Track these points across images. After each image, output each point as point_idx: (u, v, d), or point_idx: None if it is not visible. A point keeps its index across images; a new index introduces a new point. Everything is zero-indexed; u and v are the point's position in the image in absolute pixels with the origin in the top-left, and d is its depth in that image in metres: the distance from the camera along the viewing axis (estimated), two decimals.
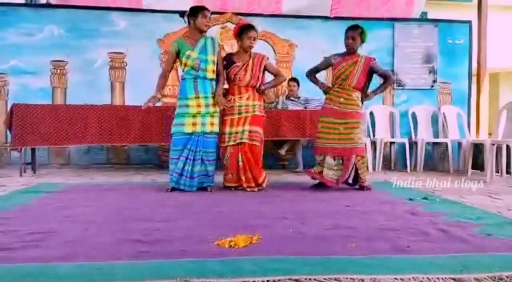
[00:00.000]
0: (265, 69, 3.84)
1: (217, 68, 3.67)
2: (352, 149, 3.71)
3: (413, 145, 6.03)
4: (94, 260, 1.67)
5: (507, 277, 1.53)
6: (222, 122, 3.69)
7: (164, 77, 3.71)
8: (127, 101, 5.85)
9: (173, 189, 3.55)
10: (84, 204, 2.93)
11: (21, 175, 4.63)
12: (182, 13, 3.60)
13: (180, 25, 5.67)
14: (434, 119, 6.24)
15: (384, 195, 3.55)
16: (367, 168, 3.79)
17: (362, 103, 3.90)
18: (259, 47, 6.13)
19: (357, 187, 3.85)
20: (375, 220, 2.49)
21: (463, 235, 2.13)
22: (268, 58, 3.91)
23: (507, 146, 4.90)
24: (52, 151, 5.80)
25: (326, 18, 6.22)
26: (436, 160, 6.31)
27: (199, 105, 3.54)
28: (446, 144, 5.90)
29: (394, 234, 2.13)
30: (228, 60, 3.79)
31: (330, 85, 3.93)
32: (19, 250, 1.79)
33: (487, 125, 6.41)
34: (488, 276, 1.54)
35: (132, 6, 6.01)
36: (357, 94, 3.81)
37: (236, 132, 3.68)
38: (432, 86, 6.38)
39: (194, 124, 3.52)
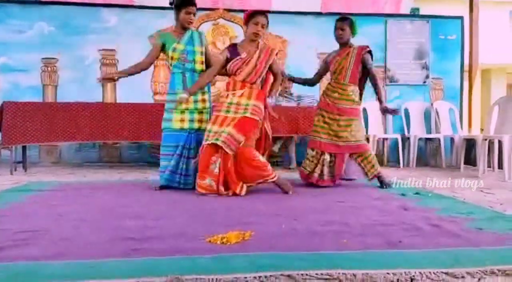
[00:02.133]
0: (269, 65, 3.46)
1: (205, 62, 3.57)
2: (346, 147, 3.66)
3: (405, 140, 6.05)
4: (86, 258, 1.65)
5: (498, 270, 1.54)
6: (211, 119, 3.40)
7: (139, 66, 3.52)
8: (118, 99, 5.82)
9: (162, 187, 3.49)
10: (75, 202, 2.91)
11: (12, 174, 4.59)
12: (171, 2, 3.50)
13: (170, 21, 5.65)
14: (427, 115, 6.26)
15: (377, 190, 3.55)
16: (375, 162, 3.67)
17: (360, 99, 3.82)
18: None
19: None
20: (368, 215, 2.49)
21: (455, 229, 2.13)
22: (277, 54, 3.53)
23: (499, 141, 4.93)
24: (43, 149, 5.76)
25: (318, 14, 6.22)
26: (429, 155, 6.34)
27: (187, 101, 3.46)
28: (439, 139, 5.93)
29: (387, 229, 2.13)
30: (232, 51, 3.41)
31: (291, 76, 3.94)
32: (10, 249, 1.77)
33: (479, 120, 6.46)
34: (480, 270, 1.54)
35: (123, 3, 5.96)
36: (352, 89, 3.70)
37: (216, 132, 3.19)
38: (425, 82, 6.40)
39: (182, 120, 3.47)
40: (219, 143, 3.11)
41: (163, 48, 3.53)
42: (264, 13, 3.35)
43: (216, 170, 3.15)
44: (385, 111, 3.69)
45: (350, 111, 3.69)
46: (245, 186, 3.23)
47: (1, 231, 2.06)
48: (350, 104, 3.69)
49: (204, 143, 3.23)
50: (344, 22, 3.69)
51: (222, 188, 3.14)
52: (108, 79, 3.62)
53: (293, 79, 4.02)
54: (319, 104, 3.87)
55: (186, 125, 3.47)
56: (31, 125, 4.60)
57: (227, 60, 3.39)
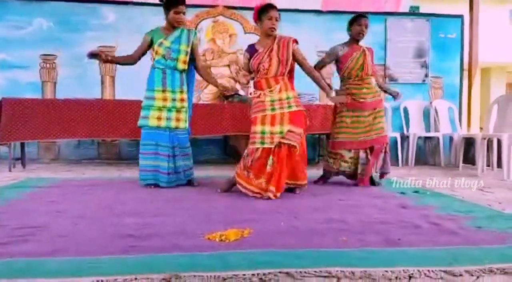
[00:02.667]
0: (293, 56, 3.25)
1: (195, 61, 3.58)
2: (384, 137, 3.69)
3: (405, 139, 6.05)
4: (84, 254, 1.65)
5: (497, 269, 1.54)
6: (252, 121, 3.23)
7: (129, 57, 3.54)
8: (117, 96, 5.80)
9: (152, 185, 3.47)
10: (74, 199, 2.91)
11: (10, 170, 4.58)
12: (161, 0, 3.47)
13: None
14: (426, 114, 6.25)
15: (376, 188, 3.55)
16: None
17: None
18: (251, 40, 6.13)
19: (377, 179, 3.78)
20: (367, 213, 2.50)
21: (453, 228, 2.13)
22: (297, 42, 3.29)
23: (498, 140, 4.93)
24: (41, 146, 5.74)
25: (318, 12, 6.20)
26: (428, 154, 6.34)
27: (165, 99, 3.42)
28: (438, 138, 5.93)
29: (386, 227, 2.14)
30: (251, 50, 3.27)
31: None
32: (8, 245, 1.77)
33: (478, 119, 6.46)
34: (478, 269, 1.54)
35: None
36: (374, 81, 3.81)
37: (272, 133, 3.09)
38: (424, 80, 6.39)
39: (159, 118, 3.42)
40: (286, 141, 3.07)
41: (151, 44, 3.51)
42: (274, 6, 3.25)
43: (269, 168, 3.06)
44: (396, 97, 3.89)
45: (380, 102, 3.78)
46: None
47: (1, 228, 2.05)
48: (378, 96, 3.77)
49: (256, 145, 3.10)
50: (367, 19, 3.66)
51: (272, 188, 3.01)
52: (94, 56, 3.52)
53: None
54: (347, 106, 3.67)
55: (163, 123, 3.43)
56: (30, 121, 4.58)
57: (249, 60, 3.27)
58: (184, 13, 3.46)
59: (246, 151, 3.19)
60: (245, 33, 6.13)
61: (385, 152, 3.71)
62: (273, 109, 3.15)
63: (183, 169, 3.52)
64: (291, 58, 3.21)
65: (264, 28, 3.21)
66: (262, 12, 3.22)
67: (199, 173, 4.64)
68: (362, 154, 3.67)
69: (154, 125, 3.42)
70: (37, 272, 1.47)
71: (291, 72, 3.31)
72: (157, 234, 1.96)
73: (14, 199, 2.88)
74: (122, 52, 5.72)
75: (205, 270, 1.48)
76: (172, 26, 3.49)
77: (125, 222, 2.20)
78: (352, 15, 3.76)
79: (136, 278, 1.42)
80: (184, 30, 3.54)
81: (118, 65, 5.76)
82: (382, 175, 3.78)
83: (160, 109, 3.43)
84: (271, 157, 3.06)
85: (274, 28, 3.19)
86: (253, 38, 6.11)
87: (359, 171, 3.67)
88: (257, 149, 3.10)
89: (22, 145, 4.92)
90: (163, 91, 3.44)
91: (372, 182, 3.71)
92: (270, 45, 3.22)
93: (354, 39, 3.72)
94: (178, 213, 2.48)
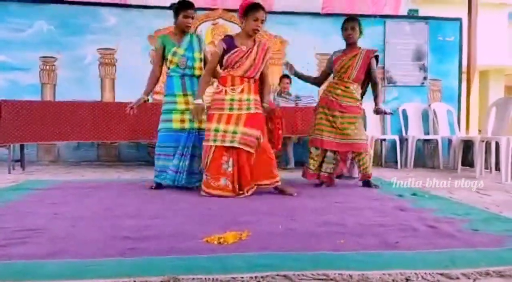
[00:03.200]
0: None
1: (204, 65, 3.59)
2: (348, 144, 3.67)
3: (403, 141, 6.06)
4: (83, 257, 1.65)
5: (493, 272, 1.55)
6: (208, 117, 3.28)
7: (154, 76, 3.61)
8: (117, 98, 5.82)
9: (157, 187, 3.51)
10: (73, 201, 2.91)
11: (9, 172, 4.59)
12: (171, 4, 3.51)
13: (170, 21, 5.67)
14: (425, 116, 6.27)
15: (374, 191, 3.56)
16: (369, 165, 3.74)
17: (362, 98, 3.84)
18: None
19: (359, 183, 3.81)
20: (365, 216, 2.50)
21: (451, 230, 2.14)
22: (271, 52, 3.38)
23: (496, 143, 4.94)
24: (41, 148, 5.75)
25: (317, 14, 6.23)
26: (426, 156, 6.35)
27: (187, 103, 3.48)
28: (436, 140, 5.94)
29: (383, 230, 2.14)
30: (228, 43, 3.20)
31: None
32: (6, 248, 1.77)
33: (477, 122, 6.47)
34: (475, 271, 1.55)
35: (122, 2, 5.96)
36: (355, 87, 3.73)
37: (225, 131, 3.14)
38: (423, 83, 6.42)
39: (182, 120, 3.49)
40: (236, 145, 3.11)
41: (163, 51, 3.55)
42: (262, 7, 3.18)
43: (230, 169, 3.12)
44: (377, 112, 3.74)
45: (353, 109, 3.71)
46: (254, 187, 3.22)
47: None
48: (353, 102, 3.71)
49: (209, 143, 3.16)
50: (354, 22, 3.68)
51: (237, 187, 3.12)
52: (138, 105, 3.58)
53: (300, 76, 3.95)
54: (320, 102, 3.85)
55: (187, 125, 3.48)
56: (29, 124, 4.60)
57: (224, 52, 3.21)
58: (193, 18, 3.51)
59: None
60: None
61: (352, 158, 3.77)
62: (231, 109, 3.17)
63: (192, 170, 3.51)
64: (263, 66, 3.25)
65: (247, 28, 3.16)
66: (249, 10, 3.13)
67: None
68: (329, 153, 3.71)
69: (178, 128, 3.48)
70: (35, 274, 1.47)
71: (262, 75, 3.31)
72: (155, 237, 1.97)
73: (13, 201, 2.89)
74: (121, 54, 5.80)
75: (203, 272, 1.49)
76: (181, 31, 3.53)
77: (124, 224, 2.20)
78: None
79: (134, 281, 1.42)
80: (193, 36, 3.60)
81: (118, 68, 5.83)
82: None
83: (183, 112, 3.49)
84: (230, 159, 3.12)
85: (258, 30, 3.16)
86: None
87: (322, 169, 3.74)
88: (210, 147, 3.15)
89: (22, 147, 4.92)
90: (184, 95, 3.51)
91: (368, 184, 3.73)
92: (251, 47, 3.21)
93: (347, 43, 3.77)
94: (176, 215, 2.48)
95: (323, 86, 4.00)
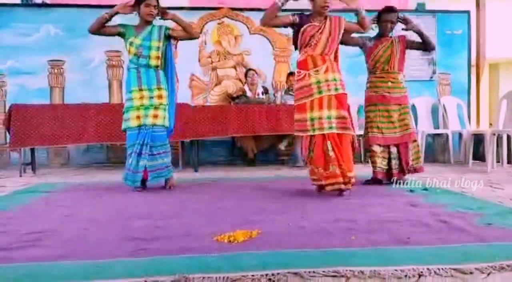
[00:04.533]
0: (346, 32, 3.16)
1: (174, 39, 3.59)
2: (410, 134, 3.63)
3: None
4: (94, 258, 1.66)
5: (508, 266, 1.52)
6: (297, 108, 3.09)
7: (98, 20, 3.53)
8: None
9: (137, 189, 3.44)
10: (83, 203, 2.93)
11: (21, 175, 4.62)
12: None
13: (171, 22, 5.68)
14: (434, 111, 6.21)
15: (385, 187, 3.53)
16: (420, 154, 3.73)
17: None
18: (256, 41, 6.15)
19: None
20: (376, 212, 2.48)
21: (463, 225, 2.11)
22: (345, 21, 3.16)
23: (508, 136, 4.89)
24: (51, 151, 5.80)
25: None
26: (437, 151, 6.29)
27: (141, 97, 3.41)
28: (447, 135, 5.88)
29: (394, 226, 2.12)
30: (301, 19, 3.06)
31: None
32: (19, 250, 1.78)
33: (487, 115, 6.40)
34: (489, 266, 1.52)
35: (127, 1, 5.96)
36: (401, 77, 3.71)
37: (320, 118, 2.96)
38: (432, 77, 6.35)
39: (138, 117, 3.40)
40: (335, 131, 2.96)
41: (122, 37, 3.51)
42: None
43: (332, 153, 2.95)
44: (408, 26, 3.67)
45: (405, 99, 3.70)
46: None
47: (10, 233, 2.07)
48: (404, 92, 3.70)
49: (308, 133, 3.00)
50: (395, 14, 3.64)
51: (348, 173, 2.95)
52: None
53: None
54: (368, 100, 3.74)
55: (141, 121, 3.39)
56: (39, 127, 4.63)
57: (294, 26, 3.08)
58: (155, 7, 3.41)
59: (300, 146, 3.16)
60: (250, 34, 6.14)
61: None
62: (320, 92, 2.99)
63: (156, 168, 3.44)
64: (340, 38, 3.10)
65: (316, 6, 3.03)
66: None
67: (207, 174, 4.67)
68: (392, 149, 3.64)
69: (135, 126, 3.40)
70: (46, 276, 1.48)
71: (336, 52, 3.17)
72: (166, 237, 1.97)
73: (24, 203, 2.91)
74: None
75: (214, 271, 1.48)
76: (144, 22, 3.47)
77: (135, 225, 2.21)
78: (377, 12, 3.71)
79: (145, 281, 1.42)
80: (155, 26, 3.51)
81: (125, 70, 5.83)
82: (415, 170, 3.69)
83: (138, 108, 3.41)
84: (328, 142, 2.95)
85: (327, 6, 3.00)
86: (258, 39, 6.14)
87: (392, 166, 3.63)
88: (311, 137, 3.00)
89: (32, 150, 4.96)
90: (140, 90, 3.42)
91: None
92: (324, 22, 3.05)
93: (381, 34, 3.71)
94: (186, 214, 2.49)
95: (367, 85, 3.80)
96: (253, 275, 1.45)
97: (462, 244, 1.80)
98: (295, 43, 3.16)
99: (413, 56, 6.28)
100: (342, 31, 3.10)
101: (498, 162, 5.12)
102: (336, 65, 3.12)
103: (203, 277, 1.44)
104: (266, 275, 1.46)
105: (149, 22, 3.49)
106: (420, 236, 1.92)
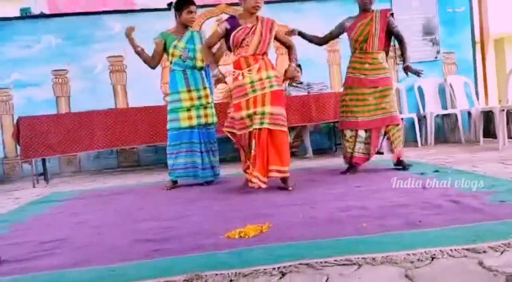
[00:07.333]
0: (275, 38, 3.22)
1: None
2: (383, 119, 3.49)
3: (422, 119, 5.95)
4: (108, 262, 1.67)
5: None
6: (234, 107, 3.11)
7: (150, 58, 3.64)
8: (130, 103, 5.86)
9: (173, 187, 3.59)
10: (95, 209, 2.96)
11: (34, 186, 4.67)
12: (170, 4, 3.55)
13: (173, 21, 5.68)
14: (441, 91, 6.14)
15: (395, 171, 3.50)
16: (402, 139, 3.56)
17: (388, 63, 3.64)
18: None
19: (391, 165, 3.62)
20: (386, 197, 2.47)
21: (475, 204, 2.09)
22: (277, 25, 3.20)
23: None
24: (63, 160, 5.85)
25: None
26: (447, 131, 6.22)
27: (191, 99, 3.54)
28: (456, 114, 5.81)
29: (406, 210, 2.11)
30: (231, 23, 3.10)
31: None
32: (35, 260, 1.80)
33: (496, 92, 6.32)
34: (502, 244, 1.51)
35: (125, 7, 5.98)
36: (382, 56, 3.52)
37: (255, 113, 3.00)
38: (436, 57, 6.28)
39: (190, 118, 3.54)
40: (266, 126, 2.96)
41: (164, 47, 3.59)
42: None
43: (253, 151, 2.98)
44: (407, 69, 3.51)
45: (384, 80, 3.51)
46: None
47: (26, 244, 2.10)
48: (383, 72, 3.51)
49: (246, 130, 3.03)
50: None
51: (257, 174, 2.94)
52: (130, 39, 3.65)
53: (304, 36, 3.78)
54: (346, 82, 3.63)
55: (194, 122, 3.54)
56: (48, 137, 4.66)
57: (227, 32, 3.12)
58: (195, 13, 3.56)
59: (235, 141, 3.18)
60: None
61: (385, 133, 3.54)
62: (254, 90, 3.03)
63: (212, 164, 3.61)
64: (272, 40, 3.14)
65: (248, 6, 3.04)
66: None
67: None
68: (361, 132, 3.52)
69: (187, 126, 3.52)
70: None
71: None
72: (177, 237, 1.98)
73: (39, 214, 2.94)
74: (131, 60, 5.81)
75: (226, 268, 1.49)
76: (183, 27, 3.58)
77: (146, 227, 2.22)
78: None
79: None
80: (194, 32, 3.64)
81: (128, 74, 5.86)
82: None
83: (189, 109, 3.54)
84: (253, 141, 2.98)
85: (258, 7, 3.04)
86: None
87: (355, 150, 3.54)
88: (249, 134, 3.03)
89: (44, 161, 5.00)
90: (189, 91, 3.55)
91: (402, 165, 3.55)
92: (255, 24, 3.08)
93: (362, 9, 3.54)
94: (196, 213, 2.50)
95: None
96: (265, 269, 1.46)
97: (474, 223, 1.78)
98: (228, 47, 3.21)
99: (415, 38, 6.22)
100: (273, 34, 3.16)
101: (510, 138, 5.05)
102: (271, 64, 3.15)
103: (216, 274, 1.45)
104: (278, 268, 1.46)
105: (187, 28, 3.59)
106: (432, 218, 1.91)
